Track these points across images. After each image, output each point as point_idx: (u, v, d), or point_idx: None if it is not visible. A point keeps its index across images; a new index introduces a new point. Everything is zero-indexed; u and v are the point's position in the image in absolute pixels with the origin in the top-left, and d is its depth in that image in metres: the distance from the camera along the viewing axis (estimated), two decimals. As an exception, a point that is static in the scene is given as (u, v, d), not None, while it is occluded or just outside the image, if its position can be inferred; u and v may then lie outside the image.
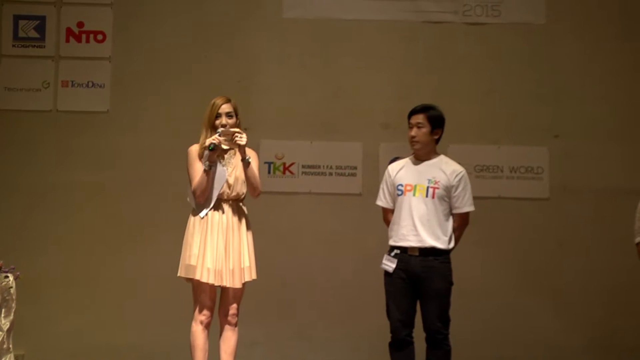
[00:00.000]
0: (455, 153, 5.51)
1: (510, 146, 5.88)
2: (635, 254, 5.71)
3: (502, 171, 5.87)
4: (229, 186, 4.20)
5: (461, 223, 4.32)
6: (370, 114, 5.86)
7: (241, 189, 4.24)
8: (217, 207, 4.20)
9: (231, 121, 4.23)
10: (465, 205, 4.30)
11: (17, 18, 5.94)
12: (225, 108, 4.24)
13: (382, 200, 4.42)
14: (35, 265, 5.52)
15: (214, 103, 4.26)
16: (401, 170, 4.38)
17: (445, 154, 4.50)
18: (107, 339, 5.63)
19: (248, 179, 4.21)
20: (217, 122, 4.21)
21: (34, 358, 5.65)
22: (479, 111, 5.88)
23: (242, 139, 4.12)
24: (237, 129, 4.14)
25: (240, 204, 4.27)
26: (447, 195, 4.28)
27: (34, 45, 5.94)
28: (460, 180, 4.30)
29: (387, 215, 4.41)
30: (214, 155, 4.12)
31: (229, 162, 4.25)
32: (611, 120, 5.85)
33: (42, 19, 5.95)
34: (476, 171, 5.82)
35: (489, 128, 5.89)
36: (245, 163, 4.17)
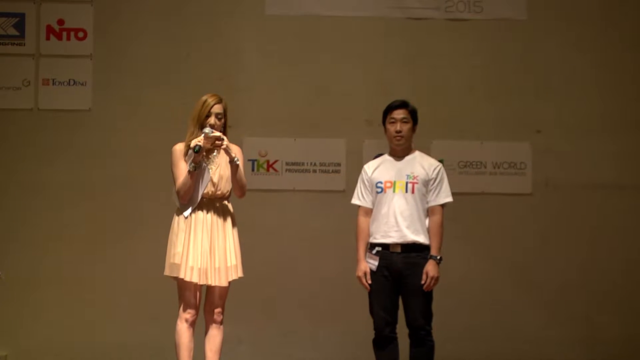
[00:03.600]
0: (439, 149, 5.58)
1: (493, 142, 5.90)
2: (615, 249, 5.81)
3: (485, 167, 5.90)
4: (214, 185, 4.18)
5: (438, 220, 4.27)
6: (354, 110, 5.86)
7: (226, 187, 4.21)
8: (202, 205, 4.17)
9: (220, 123, 4.19)
10: (441, 196, 4.30)
11: (-5, 15, 5.89)
12: (217, 109, 4.18)
13: (360, 200, 4.40)
14: (17, 264, 5.49)
15: (206, 101, 4.19)
16: (378, 168, 4.38)
17: (429, 150, 4.54)
18: (91, 339, 5.61)
19: (235, 181, 4.18)
20: (207, 121, 4.16)
21: (17, 358, 5.62)
22: (461, 107, 5.89)
23: (223, 144, 4.07)
24: (218, 134, 4.08)
25: (226, 202, 4.25)
26: (426, 190, 4.29)
27: (14, 43, 5.87)
28: (437, 173, 4.31)
29: (361, 215, 4.37)
30: (198, 157, 4.08)
31: (213, 161, 4.22)
32: (593, 115, 5.88)
33: (22, 16, 5.88)
34: (459, 167, 5.84)
35: (472, 124, 5.91)
36: (234, 165, 4.14)
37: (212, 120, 4.17)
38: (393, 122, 4.34)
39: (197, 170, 4.10)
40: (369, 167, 4.43)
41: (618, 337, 5.70)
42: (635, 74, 5.92)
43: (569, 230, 5.81)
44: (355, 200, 4.44)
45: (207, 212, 4.17)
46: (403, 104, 4.36)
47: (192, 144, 4.08)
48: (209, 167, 4.18)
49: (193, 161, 4.07)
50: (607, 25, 5.95)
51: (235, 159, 4.11)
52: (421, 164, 4.33)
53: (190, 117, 4.22)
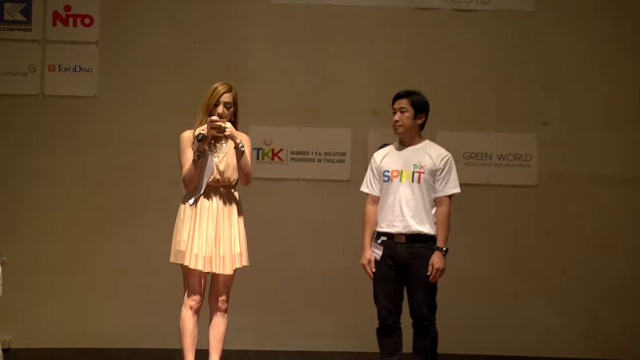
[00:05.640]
0: (444, 140, 5.50)
1: (499, 133, 5.89)
2: (620, 242, 5.80)
3: (490, 158, 5.89)
4: (220, 173, 4.18)
5: (445, 211, 4.26)
6: (359, 100, 5.85)
7: (232, 175, 4.21)
8: (208, 193, 4.18)
9: (227, 112, 4.19)
10: (449, 187, 4.29)
11: (2, 0, 5.86)
12: (226, 97, 4.18)
13: (369, 187, 4.42)
14: (22, 250, 5.48)
15: (216, 89, 4.19)
16: (386, 157, 4.39)
17: (434, 141, 4.51)
18: (94, 325, 5.63)
19: (240, 168, 4.17)
20: (215, 110, 4.16)
21: (20, 343, 5.64)
22: (467, 98, 5.88)
23: (226, 130, 4.07)
24: (221, 122, 4.07)
25: (232, 190, 4.25)
26: (433, 180, 4.29)
27: (20, 29, 5.87)
28: (445, 163, 4.31)
29: (369, 203, 4.39)
30: (202, 145, 4.09)
31: (220, 149, 4.22)
32: (599, 107, 5.87)
33: (28, 1, 5.88)
34: (465, 158, 5.83)
35: (478, 115, 5.90)
36: (239, 152, 4.13)
37: (220, 109, 4.17)
38: (394, 112, 4.37)
39: (202, 158, 4.11)
40: (378, 155, 4.44)
41: (621, 330, 5.70)
42: (642, 66, 5.91)
43: (574, 223, 5.80)
44: (363, 188, 4.45)
45: (213, 200, 4.18)
46: (405, 94, 4.36)
47: (196, 132, 4.08)
48: (214, 155, 4.18)
49: (197, 149, 4.08)
50: (614, 17, 5.93)
51: (240, 145, 4.11)
52: (429, 153, 4.33)
53: (201, 104, 4.21)
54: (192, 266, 4.11)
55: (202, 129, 4.08)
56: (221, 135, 4.11)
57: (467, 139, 5.86)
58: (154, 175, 5.68)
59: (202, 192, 4.16)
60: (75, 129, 5.81)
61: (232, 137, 4.11)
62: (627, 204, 5.83)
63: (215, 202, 4.18)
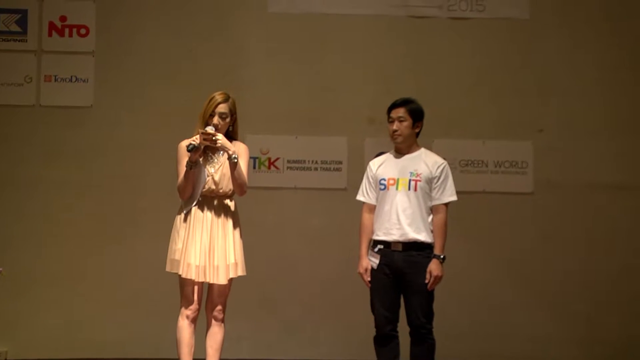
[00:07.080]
0: (440, 148, 5.54)
1: (495, 141, 5.91)
2: (616, 249, 5.81)
3: (486, 166, 5.90)
4: (215, 183, 4.18)
5: (442, 219, 4.26)
6: (356, 108, 5.86)
7: (227, 185, 4.20)
8: (203, 204, 4.17)
9: (223, 123, 4.19)
10: (445, 195, 4.29)
11: (-2, 12, 5.90)
12: (221, 108, 4.18)
13: (365, 196, 4.41)
14: (18, 260, 5.48)
15: (212, 100, 4.18)
16: (383, 165, 4.39)
17: (430, 149, 4.51)
18: (91, 335, 5.62)
19: (234, 179, 4.15)
20: (210, 120, 4.16)
21: (17, 354, 5.63)
22: (463, 106, 5.90)
23: (218, 142, 4.06)
24: (212, 132, 4.06)
25: (228, 200, 4.24)
26: (429, 188, 4.29)
27: (16, 39, 5.88)
28: (442, 171, 4.31)
29: (366, 212, 4.38)
30: (194, 156, 4.08)
31: (217, 159, 4.22)
32: (595, 115, 5.89)
33: (24, 12, 5.89)
34: (461, 166, 5.84)
35: (474, 123, 5.91)
36: (232, 163, 4.13)
37: (215, 120, 4.16)
38: (391, 121, 4.36)
39: (194, 169, 4.10)
40: (374, 164, 4.43)
41: (618, 337, 5.70)
42: (637, 74, 5.92)
43: (570, 230, 5.81)
44: (359, 197, 4.45)
45: (208, 211, 4.17)
46: (401, 103, 4.36)
47: (187, 142, 4.09)
48: (210, 166, 4.17)
49: (189, 160, 4.08)
50: (609, 24, 5.95)
51: (233, 156, 4.10)
52: (425, 161, 4.33)
53: (199, 113, 4.21)
54: (184, 275, 4.11)
55: (194, 140, 4.08)
56: (213, 145, 4.10)
57: (463, 147, 5.88)
58: (151, 185, 5.68)
59: (195, 202, 4.16)
60: (72, 139, 5.81)
61: (224, 148, 4.11)
62: (623, 211, 5.84)
63: (210, 212, 4.17)
